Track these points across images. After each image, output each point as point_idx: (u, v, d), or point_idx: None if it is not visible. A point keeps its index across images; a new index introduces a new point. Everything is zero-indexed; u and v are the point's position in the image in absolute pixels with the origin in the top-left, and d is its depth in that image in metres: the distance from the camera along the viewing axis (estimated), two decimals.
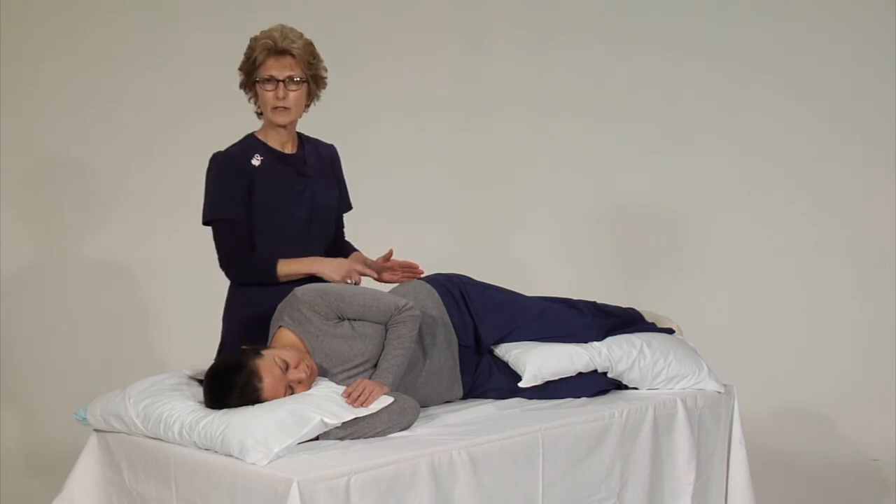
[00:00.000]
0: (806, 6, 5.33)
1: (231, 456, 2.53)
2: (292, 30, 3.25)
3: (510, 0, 5.65)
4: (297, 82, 3.21)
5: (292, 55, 3.20)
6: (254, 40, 3.25)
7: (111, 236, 5.59)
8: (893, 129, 5.18)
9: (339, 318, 2.94)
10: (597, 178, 5.57)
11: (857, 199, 5.27)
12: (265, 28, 3.27)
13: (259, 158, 3.26)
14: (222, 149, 3.31)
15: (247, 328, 3.21)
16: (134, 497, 2.81)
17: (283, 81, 3.20)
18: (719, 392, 3.37)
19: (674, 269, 5.44)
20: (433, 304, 3.17)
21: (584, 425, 2.96)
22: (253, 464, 2.47)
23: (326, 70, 3.32)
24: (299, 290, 2.95)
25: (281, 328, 2.94)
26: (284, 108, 3.22)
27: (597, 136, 5.57)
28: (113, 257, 5.59)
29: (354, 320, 2.95)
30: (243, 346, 2.88)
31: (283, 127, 3.28)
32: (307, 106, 3.33)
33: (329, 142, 3.51)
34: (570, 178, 5.59)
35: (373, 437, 2.70)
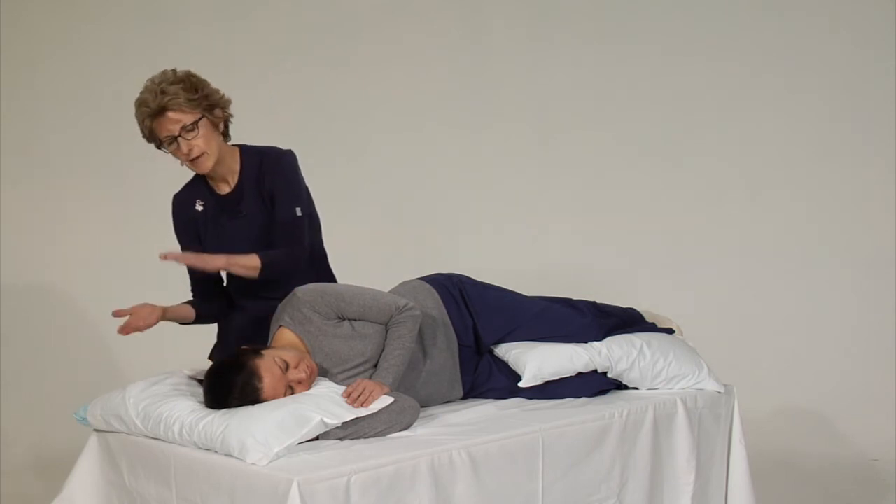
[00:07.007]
0: (806, 6, 5.32)
1: (231, 456, 2.53)
2: (163, 77, 3.11)
3: (510, 0, 5.66)
4: (192, 128, 3.08)
5: (172, 109, 3.06)
6: (136, 107, 3.12)
7: (110, 236, 5.59)
8: (893, 129, 5.18)
9: (340, 318, 2.93)
10: (596, 178, 5.57)
11: (857, 199, 5.26)
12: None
13: (201, 204, 3.26)
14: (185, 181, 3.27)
15: (243, 330, 3.22)
16: (134, 497, 2.81)
17: (179, 136, 3.09)
18: (719, 392, 3.37)
19: (673, 268, 5.44)
20: (433, 304, 3.17)
21: (584, 425, 2.96)
22: (253, 464, 2.47)
23: (216, 91, 3.17)
24: (300, 290, 2.95)
25: (281, 328, 2.94)
26: (196, 157, 3.12)
27: (596, 136, 5.57)
28: (112, 257, 5.59)
29: (355, 320, 2.95)
30: (243, 346, 2.88)
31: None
32: (223, 133, 3.20)
33: (286, 147, 3.29)
34: (569, 177, 5.59)
35: (373, 437, 2.70)
